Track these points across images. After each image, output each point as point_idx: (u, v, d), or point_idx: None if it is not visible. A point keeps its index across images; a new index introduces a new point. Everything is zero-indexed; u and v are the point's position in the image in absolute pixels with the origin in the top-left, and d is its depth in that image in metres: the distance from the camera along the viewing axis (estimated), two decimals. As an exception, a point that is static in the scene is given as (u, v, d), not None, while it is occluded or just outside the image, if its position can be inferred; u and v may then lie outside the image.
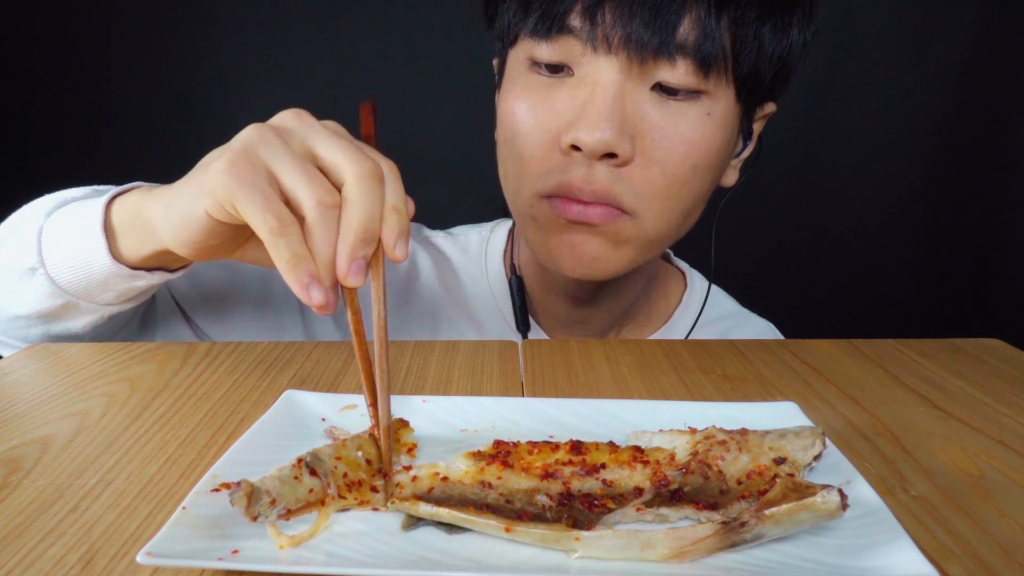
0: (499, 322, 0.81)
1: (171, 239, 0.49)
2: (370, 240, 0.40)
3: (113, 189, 0.58)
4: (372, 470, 0.39)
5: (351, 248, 0.40)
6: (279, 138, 0.43)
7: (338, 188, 0.42)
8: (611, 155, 0.61)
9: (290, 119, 0.44)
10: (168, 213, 0.49)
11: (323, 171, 0.42)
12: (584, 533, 0.33)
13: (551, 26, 0.61)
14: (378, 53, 1.67)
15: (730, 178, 0.73)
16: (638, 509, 0.35)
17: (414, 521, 0.35)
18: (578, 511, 0.36)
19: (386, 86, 1.67)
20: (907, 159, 1.73)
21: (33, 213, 0.60)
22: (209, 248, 0.49)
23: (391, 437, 0.41)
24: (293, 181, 0.41)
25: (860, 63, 1.66)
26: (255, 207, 0.41)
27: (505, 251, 0.84)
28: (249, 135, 0.43)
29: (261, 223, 0.40)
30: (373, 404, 0.42)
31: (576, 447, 0.41)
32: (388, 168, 0.42)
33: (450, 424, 0.46)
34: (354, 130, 0.46)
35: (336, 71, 1.66)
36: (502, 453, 0.40)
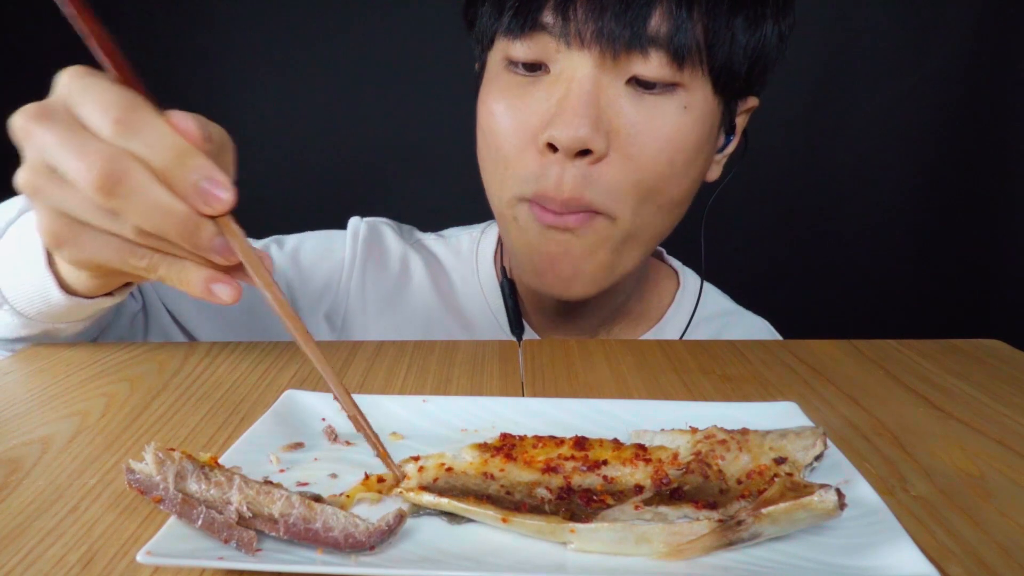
0: (491, 324, 0.81)
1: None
2: (188, 230, 0.35)
3: None
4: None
5: (192, 250, 0.36)
6: (44, 180, 0.38)
7: None
8: (586, 152, 0.61)
9: (20, 138, 0.38)
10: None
11: None
12: (579, 525, 0.33)
13: (524, 24, 0.62)
14: (373, 55, 1.67)
15: (714, 173, 0.73)
16: (636, 507, 0.35)
17: (417, 509, 0.36)
18: (576, 505, 0.36)
19: (380, 88, 1.68)
20: (907, 158, 1.73)
21: None
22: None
23: (367, 423, 0.40)
24: (99, 224, 0.38)
25: (860, 62, 1.66)
26: (113, 263, 0.39)
27: (496, 253, 0.84)
28: (27, 192, 0.39)
29: (133, 271, 0.39)
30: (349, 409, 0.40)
31: (580, 443, 0.41)
32: (125, 125, 0.35)
33: (450, 424, 0.46)
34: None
35: (332, 73, 1.67)
36: (507, 446, 0.41)
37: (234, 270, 0.38)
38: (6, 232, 0.58)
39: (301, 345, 0.39)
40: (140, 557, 0.30)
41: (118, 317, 0.68)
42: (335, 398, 0.41)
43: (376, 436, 0.40)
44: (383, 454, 0.40)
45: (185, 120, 0.36)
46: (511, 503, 0.36)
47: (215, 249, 0.36)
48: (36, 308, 0.56)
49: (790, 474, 0.38)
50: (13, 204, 0.60)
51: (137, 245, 0.38)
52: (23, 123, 0.38)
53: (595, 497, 0.37)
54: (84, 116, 0.36)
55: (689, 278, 0.86)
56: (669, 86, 0.62)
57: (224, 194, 0.35)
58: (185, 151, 0.35)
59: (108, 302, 0.57)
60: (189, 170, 0.35)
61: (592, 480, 0.38)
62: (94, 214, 0.37)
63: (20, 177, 0.39)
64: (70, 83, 0.38)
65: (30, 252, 0.54)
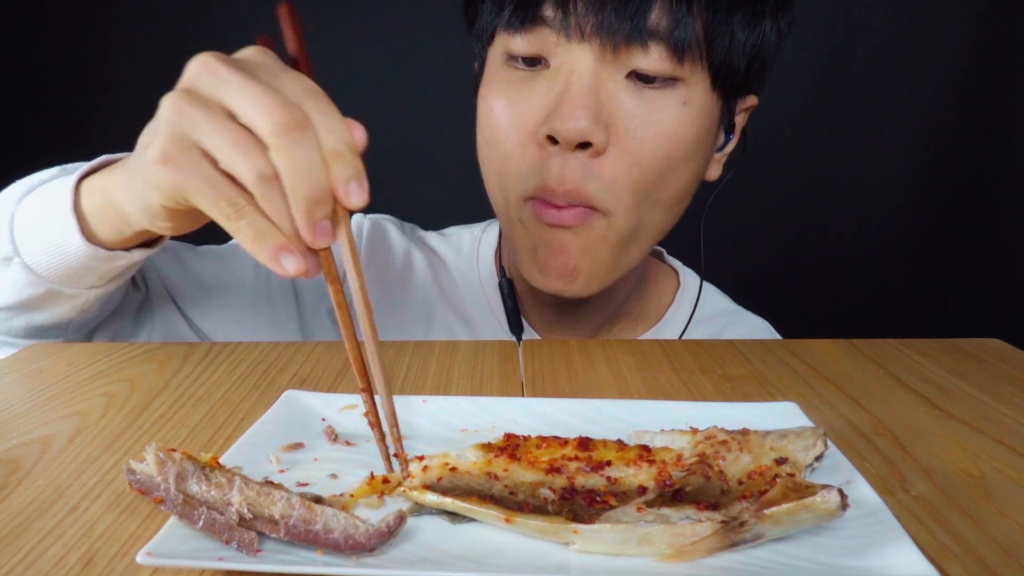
0: (491, 323, 0.81)
1: (145, 225, 0.49)
2: (320, 199, 0.38)
3: (80, 168, 0.56)
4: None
5: (304, 215, 0.38)
6: (198, 107, 0.40)
7: None
8: (586, 145, 0.62)
9: (199, 71, 0.41)
10: (130, 204, 0.48)
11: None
12: (582, 526, 0.33)
13: (524, 18, 0.62)
14: (374, 53, 1.67)
15: (714, 172, 0.73)
16: (639, 508, 0.35)
17: (418, 508, 0.36)
18: (579, 506, 0.36)
19: (382, 87, 1.68)
20: (907, 158, 1.73)
21: (3, 201, 0.59)
22: (186, 224, 0.48)
23: (395, 418, 0.41)
24: (226, 157, 0.39)
25: (860, 62, 1.66)
26: (204, 197, 0.40)
27: (496, 251, 0.84)
28: (168, 112, 0.41)
29: (216, 212, 0.40)
30: (365, 389, 0.41)
31: (584, 444, 0.41)
32: (315, 103, 0.39)
33: (450, 424, 0.46)
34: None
35: (332, 73, 1.66)
36: (511, 446, 0.41)
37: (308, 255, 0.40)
38: (34, 191, 0.58)
39: (367, 341, 0.40)
40: (140, 558, 0.30)
41: (120, 307, 0.68)
42: (362, 389, 0.41)
43: (399, 438, 0.41)
44: (401, 455, 0.40)
45: (359, 127, 0.40)
46: (514, 503, 0.36)
47: (319, 228, 0.38)
48: (49, 262, 0.56)
49: (791, 475, 0.38)
50: (47, 171, 0.61)
51: (238, 189, 0.39)
52: (207, 59, 0.40)
53: (598, 498, 0.37)
54: (278, 81, 0.40)
55: (689, 278, 0.86)
56: (669, 80, 0.62)
57: (364, 196, 0.39)
58: (353, 148, 0.39)
59: (124, 259, 0.57)
60: (349, 163, 0.38)
61: (595, 481, 0.38)
62: (228, 147, 0.39)
63: (168, 98, 0.41)
64: (263, 57, 0.42)
65: (58, 204, 0.55)
